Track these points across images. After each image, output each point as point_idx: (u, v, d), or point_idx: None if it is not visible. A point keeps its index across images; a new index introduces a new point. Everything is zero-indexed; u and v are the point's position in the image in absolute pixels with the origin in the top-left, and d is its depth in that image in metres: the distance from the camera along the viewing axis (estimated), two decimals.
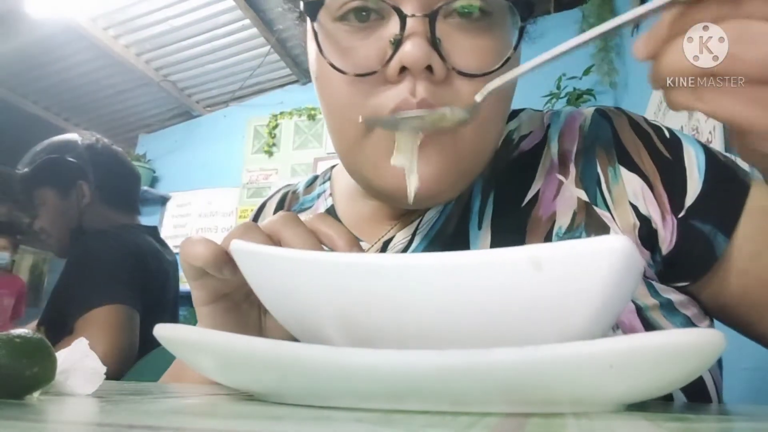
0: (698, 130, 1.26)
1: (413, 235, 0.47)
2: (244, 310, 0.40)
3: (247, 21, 2.65)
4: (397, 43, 0.38)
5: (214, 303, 0.38)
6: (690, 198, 0.42)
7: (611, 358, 0.21)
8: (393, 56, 0.38)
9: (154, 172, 3.35)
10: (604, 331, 0.26)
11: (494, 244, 0.44)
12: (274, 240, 0.35)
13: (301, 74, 3.16)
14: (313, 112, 3.12)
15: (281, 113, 3.19)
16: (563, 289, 0.24)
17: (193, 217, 3.24)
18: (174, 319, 1.37)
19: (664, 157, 0.43)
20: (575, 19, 2.35)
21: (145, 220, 3.73)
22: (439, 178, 0.40)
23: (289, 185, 0.64)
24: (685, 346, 0.22)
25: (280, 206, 0.60)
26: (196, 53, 2.89)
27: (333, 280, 0.27)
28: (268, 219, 0.36)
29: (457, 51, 0.39)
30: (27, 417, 0.21)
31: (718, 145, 1.10)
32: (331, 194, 0.56)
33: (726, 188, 0.42)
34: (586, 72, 2.26)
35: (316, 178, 0.62)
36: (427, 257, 0.26)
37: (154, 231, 1.39)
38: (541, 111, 0.52)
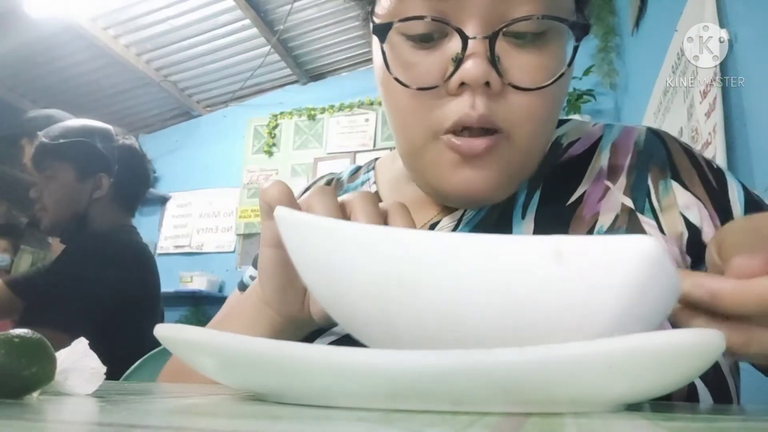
0: (698, 131, 1.26)
1: (459, 221, 0.50)
2: None
3: (247, 21, 2.65)
4: (458, 61, 0.41)
5: (277, 248, 0.39)
6: None
7: (610, 359, 0.21)
8: (454, 73, 0.41)
9: (155, 172, 3.35)
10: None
11: (537, 233, 0.46)
12: (346, 211, 0.37)
13: (302, 74, 3.16)
14: (313, 112, 3.12)
15: (281, 113, 3.20)
16: (584, 285, 0.24)
17: (193, 217, 3.25)
18: (158, 314, 1.37)
19: (713, 186, 0.47)
20: None
21: (145, 219, 3.71)
22: (496, 184, 0.44)
23: (332, 173, 0.66)
24: (685, 347, 0.22)
25: None
26: (196, 53, 2.89)
27: (370, 251, 0.27)
28: (347, 194, 0.38)
29: (514, 68, 0.42)
30: (26, 417, 0.21)
31: (718, 144, 1.10)
32: (375, 182, 0.59)
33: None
34: (586, 72, 2.26)
35: (358, 168, 0.64)
36: (456, 236, 0.26)
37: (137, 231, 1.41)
38: (587, 121, 0.56)
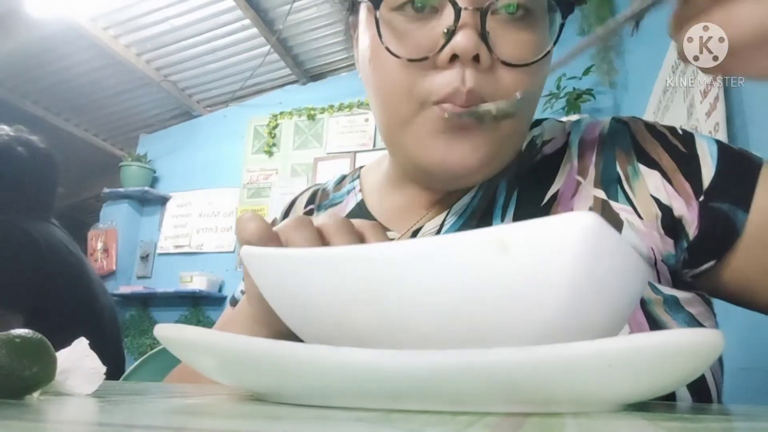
0: (698, 130, 1.26)
1: (441, 225, 0.51)
2: None
3: (247, 21, 2.65)
4: (450, 33, 0.41)
5: None
6: (705, 182, 0.44)
7: (611, 358, 0.21)
8: (446, 45, 0.41)
9: (155, 172, 3.35)
10: (584, 318, 0.26)
11: None
12: (323, 236, 0.37)
13: (301, 74, 3.16)
14: (312, 112, 3.12)
15: (281, 113, 3.19)
16: (533, 270, 0.24)
17: (193, 217, 3.24)
18: (101, 312, 1.24)
19: (679, 150, 0.47)
20: (575, 18, 2.35)
21: (145, 219, 3.68)
22: (478, 159, 0.45)
23: (318, 184, 0.67)
24: (685, 346, 0.22)
25: (310, 202, 0.64)
26: (196, 53, 2.89)
27: (326, 274, 0.28)
28: (322, 218, 0.39)
29: (503, 43, 0.42)
30: (26, 417, 0.21)
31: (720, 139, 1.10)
32: (360, 190, 0.60)
33: (738, 168, 0.45)
34: (586, 72, 2.26)
35: (344, 177, 0.65)
36: (398, 244, 0.27)
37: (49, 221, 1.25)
38: (562, 121, 0.57)
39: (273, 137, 3.18)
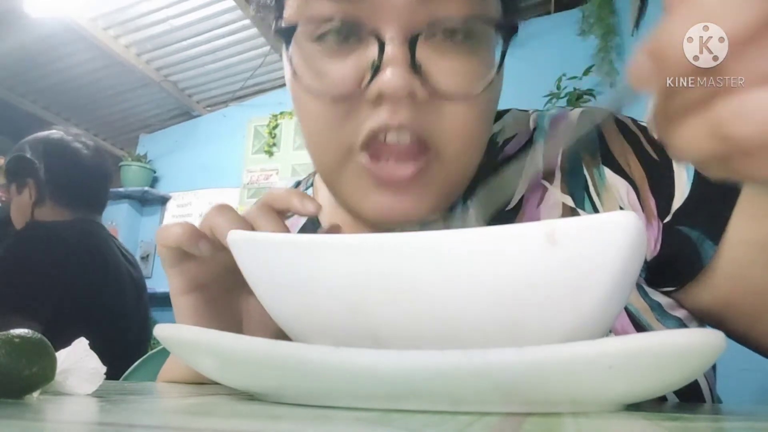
0: None
1: None
2: (224, 303, 0.40)
3: (247, 21, 2.65)
4: (375, 69, 0.36)
5: (193, 293, 0.38)
6: (677, 202, 0.41)
7: (610, 359, 0.21)
8: (372, 81, 0.36)
9: (155, 172, 3.35)
10: (617, 310, 0.27)
11: None
12: (247, 223, 0.36)
13: None
14: None
15: (281, 113, 3.19)
16: (578, 263, 0.25)
17: (193, 217, 3.24)
18: (141, 317, 1.35)
19: (652, 159, 0.42)
20: (575, 19, 2.35)
21: (146, 219, 3.68)
22: (423, 209, 0.40)
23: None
24: (685, 347, 0.22)
25: None
26: (197, 53, 2.89)
27: (345, 263, 0.27)
28: (249, 209, 0.37)
29: (440, 73, 0.37)
30: (26, 416, 0.21)
31: None
32: None
33: (715, 192, 0.40)
34: (586, 72, 2.26)
35: (298, 184, 0.60)
36: (442, 234, 0.26)
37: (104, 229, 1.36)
38: (526, 111, 0.51)
39: (273, 137, 3.18)
